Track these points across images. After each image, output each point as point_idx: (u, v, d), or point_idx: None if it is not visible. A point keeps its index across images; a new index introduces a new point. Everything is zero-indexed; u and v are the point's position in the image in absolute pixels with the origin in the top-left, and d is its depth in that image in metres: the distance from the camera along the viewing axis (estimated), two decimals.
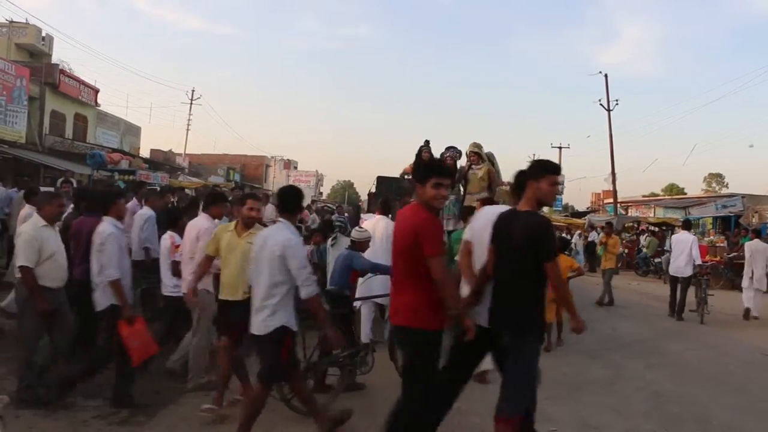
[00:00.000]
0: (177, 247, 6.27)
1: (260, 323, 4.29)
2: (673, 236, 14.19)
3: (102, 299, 5.23)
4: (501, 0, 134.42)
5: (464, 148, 9.58)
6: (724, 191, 54.71)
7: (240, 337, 5.02)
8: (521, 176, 4.14)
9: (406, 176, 10.36)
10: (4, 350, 6.45)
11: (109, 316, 5.23)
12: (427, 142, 10.22)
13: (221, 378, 5.28)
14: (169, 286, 6.27)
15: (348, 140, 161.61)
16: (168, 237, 6.40)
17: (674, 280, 11.90)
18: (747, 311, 11.97)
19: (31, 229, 5.25)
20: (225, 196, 6.97)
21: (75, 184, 13.95)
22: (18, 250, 5.25)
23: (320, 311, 4.36)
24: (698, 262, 11.71)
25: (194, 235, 5.86)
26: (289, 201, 4.56)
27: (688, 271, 11.50)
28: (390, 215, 7.88)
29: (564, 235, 27.85)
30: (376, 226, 7.52)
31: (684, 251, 11.64)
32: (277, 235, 4.31)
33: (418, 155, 9.99)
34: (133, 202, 8.79)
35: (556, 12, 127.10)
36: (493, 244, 4.04)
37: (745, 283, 12.24)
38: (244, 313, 4.55)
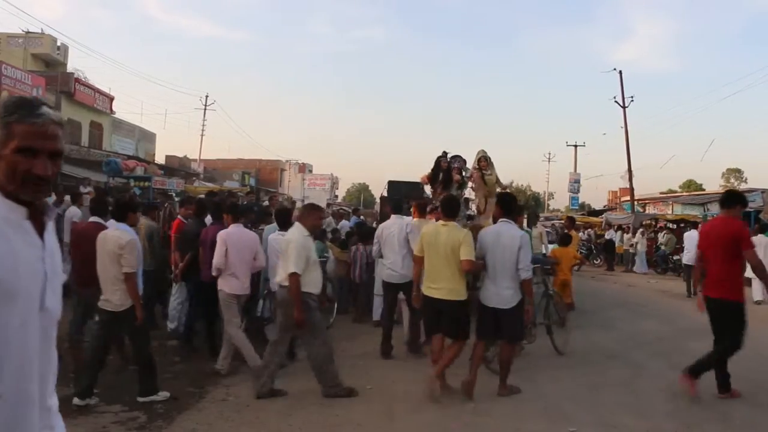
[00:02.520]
0: None
1: (509, 299, 5.76)
2: (685, 233, 15.90)
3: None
4: (512, 1, 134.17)
5: (471, 154, 10.64)
6: (743, 186, 54.08)
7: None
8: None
9: (423, 184, 11.59)
10: None
11: None
12: (444, 153, 10.95)
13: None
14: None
15: (362, 143, 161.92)
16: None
17: (688, 268, 13.70)
18: (758, 303, 12.53)
19: (300, 237, 5.77)
20: (321, 208, 7.04)
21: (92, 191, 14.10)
22: (288, 257, 5.68)
23: (530, 291, 5.91)
24: None
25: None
26: (512, 206, 6.24)
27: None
28: (401, 214, 8.17)
29: (582, 233, 27.81)
30: (393, 225, 7.81)
31: (694, 246, 11.81)
32: (512, 231, 5.88)
33: (437, 165, 10.85)
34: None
35: (569, 10, 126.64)
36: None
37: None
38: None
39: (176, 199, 15.01)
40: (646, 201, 35.18)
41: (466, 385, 5.73)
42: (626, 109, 29.13)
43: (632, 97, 29.48)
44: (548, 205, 61.68)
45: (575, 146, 49.02)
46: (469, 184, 10.95)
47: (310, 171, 72.33)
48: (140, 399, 5.43)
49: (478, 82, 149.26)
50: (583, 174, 49.64)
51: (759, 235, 13.03)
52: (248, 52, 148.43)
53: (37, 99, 1.61)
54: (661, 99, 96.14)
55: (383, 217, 15.59)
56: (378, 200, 22.04)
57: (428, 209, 8.62)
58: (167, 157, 40.37)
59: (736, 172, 66.74)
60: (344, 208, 44.27)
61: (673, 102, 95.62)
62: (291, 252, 5.64)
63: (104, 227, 5.86)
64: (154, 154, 33.95)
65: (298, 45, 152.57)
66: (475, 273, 6.06)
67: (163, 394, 5.52)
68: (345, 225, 15.58)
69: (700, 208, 26.38)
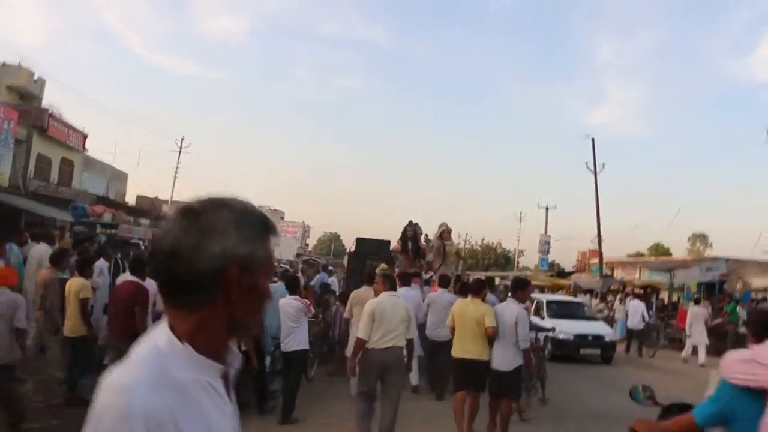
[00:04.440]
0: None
1: (510, 362, 6.84)
2: (630, 302, 18.75)
3: None
4: (489, 58, 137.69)
5: (440, 214, 11.76)
6: (708, 252, 55.12)
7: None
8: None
9: (395, 253, 12.70)
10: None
11: None
12: (410, 222, 12.41)
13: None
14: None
15: (335, 192, 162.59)
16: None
17: (629, 332, 17.95)
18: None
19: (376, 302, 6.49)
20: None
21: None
22: (411, 322, 6.51)
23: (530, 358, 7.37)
24: (647, 319, 17.54)
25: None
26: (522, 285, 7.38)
27: (640, 326, 17.33)
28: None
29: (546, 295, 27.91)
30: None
31: (638, 312, 17.36)
32: (512, 309, 6.95)
33: (404, 233, 12.26)
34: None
35: (544, 72, 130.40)
36: None
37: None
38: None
39: (143, 247, 14.71)
40: (615, 264, 35.63)
41: None
42: (597, 175, 29.71)
43: (603, 163, 30.13)
44: (518, 262, 62.04)
45: (546, 208, 49.75)
46: (429, 255, 12.50)
47: (282, 218, 72.17)
48: None
49: (454, 135, 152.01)
50: (554, 234, 50.28)
51: (694, 306, 16.78)
52: (227, 93, 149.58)
53: (263, 215, 1.31)
54: (633, 163, 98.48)
55: (352, 271, 16.16)
56: (347, 253, 22.12)
57: (407, 278, 9.66)
58: (138, 197, 39.92)
59: (702, 237, 67.70)
60: (314, 258, 43.90)
61: (644, 167, 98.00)
62: (412, 317, 6.58)
63: (142, 285, 6.69)
64: (125, 194, 33.55)
65: (277, 89, 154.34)
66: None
67: None
68: (320, 278, 15.41)
69: (666, 274, 26.73)
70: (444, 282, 10.18)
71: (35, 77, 28.06)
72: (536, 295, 18.42)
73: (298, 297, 7.77)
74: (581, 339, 14.66)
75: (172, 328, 1.18)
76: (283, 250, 65.67)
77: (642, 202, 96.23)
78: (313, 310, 9.21)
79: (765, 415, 2.16)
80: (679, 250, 58.28)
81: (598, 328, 15.74)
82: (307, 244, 78.65)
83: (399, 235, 13.05)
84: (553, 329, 14.23)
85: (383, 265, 14.43)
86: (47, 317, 7.61)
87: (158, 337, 1.19)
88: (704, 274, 24.32)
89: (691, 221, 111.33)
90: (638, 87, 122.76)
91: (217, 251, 1.15)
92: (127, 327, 6.25)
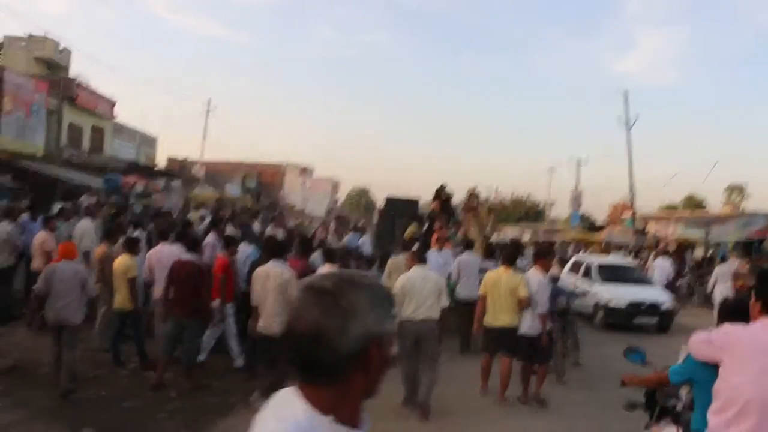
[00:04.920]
0: None
1: (539, 327, 7.27)
2: (656, 261, 17.84)
3: None
4: (516, 8, 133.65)
5: (468, 166, 12.86)
6: (745, 205, 53.78)
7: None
8: None
9: (434, 211, 13.41)
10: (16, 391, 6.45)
11: None
12: (443, 186, 12.96)
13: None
14: None
15: (363, 146, 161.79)
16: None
17: None
18: None
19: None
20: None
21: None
22: (441, 293, 7.00)
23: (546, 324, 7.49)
24: (669, 280, 16.81)
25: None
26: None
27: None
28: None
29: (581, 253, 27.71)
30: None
31: (663, 273, 16.89)
32: (535, 277, 7.39)
33: (437, 194, 12.96)
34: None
35: (574, 22, 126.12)
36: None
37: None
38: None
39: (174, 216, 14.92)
40: (648, 218, 35.11)
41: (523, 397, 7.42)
42: (630, 129, 29.01)
43: (636, 118, 29.33)
44: (548, 215, 61.48)
45: (578, 162, 48.93)
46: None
47: (311, 174, 72.24)
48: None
49: (481, 88, 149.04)
50: (586, 187, 49.59)
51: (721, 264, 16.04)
52: (252, 54, 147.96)
53: (388, 290, 1.36)
54: (667, 113, 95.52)
55: (381, 232, 16.59)
56: (377, 211, 22.24)
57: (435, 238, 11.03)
58: (169, 159, 40.31)
59: (738, 189, 65.57)
60: (343, 215, 43.87)
61: (678, 116, 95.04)
62: (442, 288, 7.05)
63: (201, 266, 7.43)
64: (155, 158, 33.85)
65: (302, 48, 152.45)
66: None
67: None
68: (351, 240, 15.29)
69: (702, 230, 26.22)
70: (469, 246, 10.93)
71: (61, 47, 28.16)
72: (585, 257, 17.41)
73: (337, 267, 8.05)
74: (635, 307, 13.48)
75: (307, 401, 1.21)
76: (313, 206, 66.16)
77: (676, 152, 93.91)
78: None
79: (716, 382, 2.96)
80: (714, 202, 56.89)
81: (654, 294, 14.26)
82: (337, 200, 78.78)
83: (429, 192, 14.30)
84: (584, 293, 14.09)
85: (413, 227, 14.62)
86: (105, 289, 8.26)
87: (294, 412, 1.20)
88: (742, 229, 23.83)
89: (727, 172, 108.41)
90: (671, 34, 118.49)
91: (359, 333, 1.18)
92: (189, 303, 7.04)
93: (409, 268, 7.28)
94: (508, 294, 7.28)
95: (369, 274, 7.79)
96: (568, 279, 14.01)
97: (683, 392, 3.71)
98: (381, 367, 1.23)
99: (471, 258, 10.50)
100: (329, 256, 8.04)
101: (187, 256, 7.54)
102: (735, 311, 3.46)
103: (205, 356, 7.97)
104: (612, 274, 14.86)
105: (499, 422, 6.86)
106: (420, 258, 7.26)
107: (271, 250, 7.02)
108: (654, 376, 3.77)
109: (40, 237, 9.47)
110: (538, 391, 7.50)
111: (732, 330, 3.05)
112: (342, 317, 1.17)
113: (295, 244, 9.48)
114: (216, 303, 7.70)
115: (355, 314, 1.18)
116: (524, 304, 7.23)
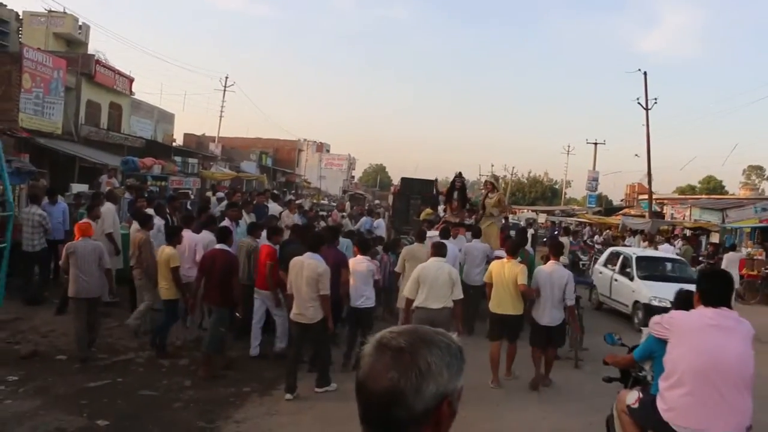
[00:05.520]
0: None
1: (559, 318, 7.81)
2: (661, 247, 18.19)
3: None
4: None
5: (486, 144, 13.39)
6: (765, 185, 53.09)
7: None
8: None
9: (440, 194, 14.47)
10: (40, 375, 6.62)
11: None
12: (459, 174, 13.31)
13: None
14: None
15: (381, 123, 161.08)
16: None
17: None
18: None
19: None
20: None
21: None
22: (455, 284, 7.39)
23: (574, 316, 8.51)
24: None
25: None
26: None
27: None
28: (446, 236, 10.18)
29: (598, 236, 27.56)
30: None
31: None
32: (561, 272, 7.88)
33: (452, 183, 13.40)
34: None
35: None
36: None
37: None
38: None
39: (191, 197, 15.07)
40: (664, 201, 34.78)
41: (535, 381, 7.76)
42: (649, 111, 28.54)
43: (656, 99, 28.76)
44: (565, 194, 61.14)
45: (595, 143, 48.42)
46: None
47: (328, 151, 72.18)
48: (318, 390, 6.86)
49: (502, 66, 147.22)
50: (602, 170, 49.11)
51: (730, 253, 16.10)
52: (269, 28, 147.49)
53: (460, 346, 1.32)
54: (686, 94, 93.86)
55: (395, 211, 17.12)
56: (396, 181, 22.45)
57: (438, 226, 11.40)
58: (185, 135, 40.51)
59: (758, 170, 64.83)
60: (359, 192, 43.85)
61: (697, 98, 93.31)
62: (456, 280, 7.40)
63: (234, 256, 7.73)
64: (172, 135, 34.01)
65: (320, 21, 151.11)
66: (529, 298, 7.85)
67: (333, 386, 6.92)
68: (365, 222, 15.47)
69: (718, 213, 25.95)
70: (476, 233, 11.38)
71: (80, 23, 28.23)
72: (623, 249, 15.59)
73: (369, 258, 8.47)
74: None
75: None
76: (329, 183, 66.19)
77: (695, 134, 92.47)
78: (380, 275, 9.52)
79: (665, 355, 3.77)
80: (733, 184, 56.17)
81: None
82: (353, 177, 78.70)
83: (443, 173, 14.55)
84: (591, 283, 14.55)
85: (428, 210, 14.81)
86: (145, 276, 8.35)
87: None
88: (759, 214, 23.58)
89: (746, 153, 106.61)
90: (693, 12, 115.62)
91: (434, 392, 1.20)
92: (223, 293, 7.30)
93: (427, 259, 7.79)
94: (510, 284, 7.73)
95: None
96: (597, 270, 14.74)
97: (647, 366, 4.52)
98: (450, 421, 1.25)
99: (477, 246, 10.92)
100: (363, 247, 8.49)
101: (215, 244, 7.76)
102: (684, 301, 4.41)
103: (285, 342, 8.02)
104: (653, 269, 13.28)
105: (514, 413, 6.96)
106: (439, 252, 7.64)
107: (312, 244, 7.13)
108: (623, 358, 4.75)
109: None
110: (547, 376, 7.94)
111: (676, 314, 3.97)
112: (418, 377, 1.19)
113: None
114: (267, 293, 7.98)
115: (430, 374, 1.20)
116: (527, 294, 7.77)
